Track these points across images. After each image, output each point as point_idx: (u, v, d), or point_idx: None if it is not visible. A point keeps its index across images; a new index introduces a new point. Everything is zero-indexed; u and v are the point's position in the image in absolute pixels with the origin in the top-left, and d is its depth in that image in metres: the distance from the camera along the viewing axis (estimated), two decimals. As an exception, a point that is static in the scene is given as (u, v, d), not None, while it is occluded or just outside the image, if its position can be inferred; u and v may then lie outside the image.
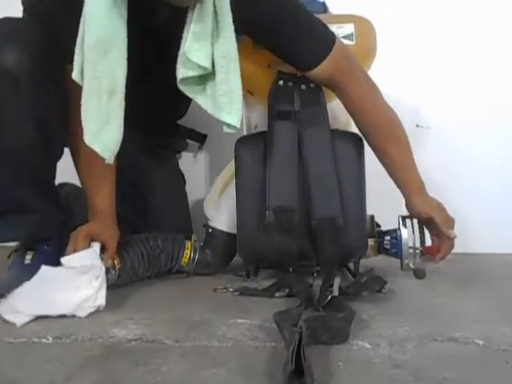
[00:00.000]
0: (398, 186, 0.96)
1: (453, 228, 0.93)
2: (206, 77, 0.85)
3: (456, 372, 0.58)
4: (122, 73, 0.82)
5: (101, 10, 0.79)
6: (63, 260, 0.86)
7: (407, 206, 0.96)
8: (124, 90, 0.83)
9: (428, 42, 1.46)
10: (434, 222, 0.92)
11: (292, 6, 0.93)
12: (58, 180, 1.04)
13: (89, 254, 0.87)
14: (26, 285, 0.81)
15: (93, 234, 0.91)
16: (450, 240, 0.92)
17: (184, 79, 0.84)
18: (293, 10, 0.92)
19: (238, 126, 0.86)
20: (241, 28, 0.88)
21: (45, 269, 0.83)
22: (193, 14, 0.82)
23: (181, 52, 0.82)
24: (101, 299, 0.81)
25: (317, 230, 0.95)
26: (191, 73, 0.83)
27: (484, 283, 1.07)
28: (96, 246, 0.89)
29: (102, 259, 0.88)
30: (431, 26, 1.45)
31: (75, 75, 0.82)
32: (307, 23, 0.94)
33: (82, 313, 0.78)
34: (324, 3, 1.13)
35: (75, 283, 0.80)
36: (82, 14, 0.80)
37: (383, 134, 0.97)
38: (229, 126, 0.86)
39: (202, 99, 0.86)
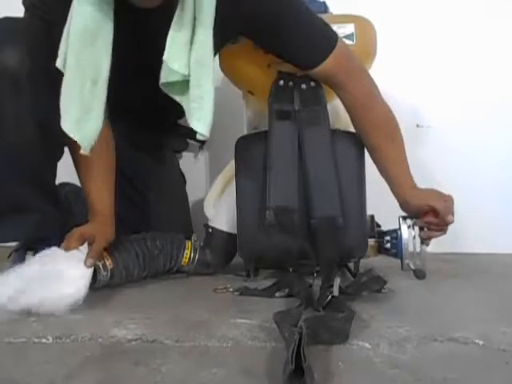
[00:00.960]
0: (392, 184, 0.97)
1: (452, 208, 0.94)
2: (185, 82, 0.84)
3: (456, 372, 0.58)
4: (106, 62, 0.82)
5: (87, 1, 0.79)
6: (51, 257, 0.85)
7: (403, 204, 0.97)
8: (107, 79, 0.83)
9: (428, 42, 1.46)
10: (436, 212, 0.93)
11: (294, 3, 0.93)
12: (58, 180, 1.04)
13: (75, 255, 0.86)
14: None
15: (86, 235, 0.90)
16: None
17: (167, 83, 0.84)
18: (295, 7, 0.92)
19: (207, 135, 0.85)
20: (241, 26, 0.88)
21: (27, 264, 0.83)
22: (175, 18, 0.82)
23: (163, 58, 0.82)
24: (80, 297, 0.80)
25: (316, 230, 0.95)
26: (170, 78, 0.83)
27: (484, 283, 1.07)
28: (84, 248, 0.89)
29: None
30: (431, 26, 1.45)
31: (59, 63, 0.81)
32: (309, 21, 0.94)
33: (61, 310, 0.78)
34: (324, 3, 1.13)
35: (57, 280, 0.80)
36: (72, 3, 0.80)
37: (382, 131, 0.98)
38: (199, 133, 0.85)
39: (184, 103, 0.86)
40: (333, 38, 0.95)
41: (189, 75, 0.83)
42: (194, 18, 0.82)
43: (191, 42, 0.83)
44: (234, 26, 0.86)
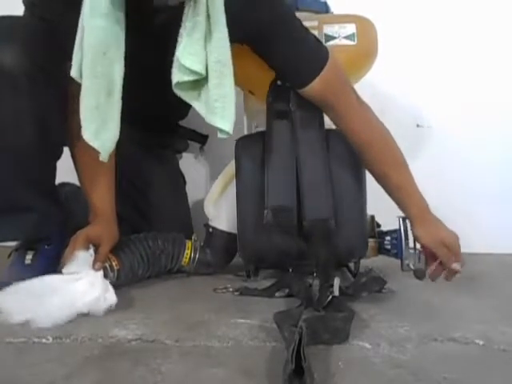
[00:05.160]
0: (400, 209, 0.94)
1: (458, 254, 0.89)
2: (200, 81, 0.84)
3: (456, 372, 0.58)
4: (119, 73, 0.83)
5: (100, 11, 0.80)
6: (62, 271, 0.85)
7: (411, 232, 0.94)
8: (121, 89, 0.84)
9: (429, 42, 1.46)
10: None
11: (288, 17, 0.92)
12: (58, 180, 1.04)
13: (82, 261, 0.86)
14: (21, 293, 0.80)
15: (91, 237, 0.91)
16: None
17: (179, 84, 0.84)
18: (288, 22, 0.91)
19: (231, 132, 0.85)
20: (239, 34, 0.88)
21: (38, 282, 0.83)
22: (187, 17, 0.82)
23: (175, 57, 0.82)
24: (111, 299, 0.81)
25: (309, 232, 0.94)
26: (186, 78, 0.83)
27: (484, 283, 1.07)
28: (91, 250, 0.89)
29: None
30: (432, 25, 1.45)
31: (74, 73, 0.82)
32: (301, 37, 0.92)
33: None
34: (326, 3, 1.13)
35: (70, 296, 0.79)
36: (81, 13, 0.81)
37: (377, 155, 0.94)
38: (222, 131, 0.85)
39: (197, 103, 0.86)
40: (324, 57, 0.93)
41: (206, 74, 0.83)
42: (208, 16, 0.82)
43: (205, 40, 0.82)
44: (237, 31, 0.86)
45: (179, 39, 0.82)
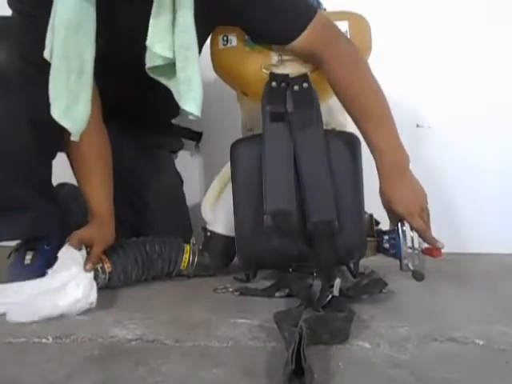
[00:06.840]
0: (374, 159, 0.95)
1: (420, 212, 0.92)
2: (171, 65, 0.86)
3: (456, 372, 0.58)
4: (90, 53, 0.84)
5: None
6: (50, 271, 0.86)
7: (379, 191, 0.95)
8: (93, 70, 0.85)
9: (428, 41, 1.45)
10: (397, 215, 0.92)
11: None
12: (58, 180, 1.04)
13: (73, 261, 0.86)
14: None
15: (84, 238, 0.91)
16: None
17: (151, 68, 0.87)
18: None
19: (198, 114, 0.87)
20: (219, 15, 0.89)
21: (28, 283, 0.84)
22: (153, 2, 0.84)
23: (146, 43, 0.84)
24: (92, 299, 0.81)
25: (313, 234, 0.93)
26: (157, 62, 0.86)
27: (484, 283, 1.07)
28: (84, 251, 0.90)
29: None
30: (431, 24, 1.45)
31: (46, 53, 0.83)
32: None
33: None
34: (318, 0, 1.13)
35: (51, 295, 0.79)
36: None
37: (370, 118, 0.95)
38: (190, 113, 0.87)
39: (170, 86, 0.89)
40: (311, 9, 0.95)
41: (174, 59, 0.85)
42: (174, 2, 0.84)
43: (173, 26, 0.85)
44: (213, 7, 0.88)
45: (149, 24, 0.84)
